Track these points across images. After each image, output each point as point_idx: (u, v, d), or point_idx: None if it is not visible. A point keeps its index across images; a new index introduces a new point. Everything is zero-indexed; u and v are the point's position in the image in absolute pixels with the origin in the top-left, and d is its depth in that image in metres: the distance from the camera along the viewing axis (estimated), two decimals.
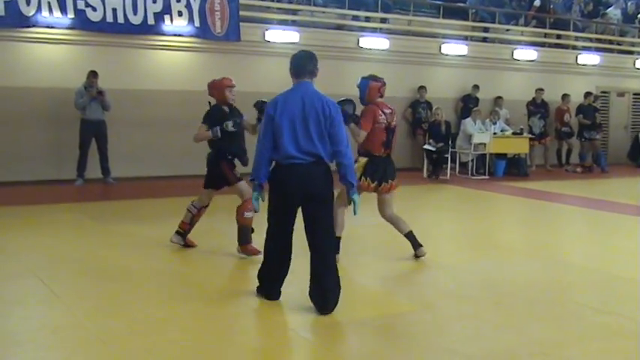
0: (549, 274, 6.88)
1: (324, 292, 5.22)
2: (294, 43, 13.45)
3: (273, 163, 5.33)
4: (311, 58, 5.38)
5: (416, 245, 7.08)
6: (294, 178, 5.17)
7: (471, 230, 9.15)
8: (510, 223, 10.54)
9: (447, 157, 14.10)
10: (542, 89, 16.31)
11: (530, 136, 15.64)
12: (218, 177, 6.92)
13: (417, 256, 7.05)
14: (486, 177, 14.55)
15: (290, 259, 5.45)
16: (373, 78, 6.89)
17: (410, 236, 7.08)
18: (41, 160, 11.77)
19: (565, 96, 16.47)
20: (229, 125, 6.77)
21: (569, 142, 16.76)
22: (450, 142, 14.20)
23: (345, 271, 6.67)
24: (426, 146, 14.04)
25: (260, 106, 6.77)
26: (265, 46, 13.31)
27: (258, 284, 5.59)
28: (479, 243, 8.36)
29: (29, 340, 4.61)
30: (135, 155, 12.37)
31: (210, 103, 7.04)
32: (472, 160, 14.70)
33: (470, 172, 14.62)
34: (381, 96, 6.89)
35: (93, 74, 11.43)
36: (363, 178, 6.76)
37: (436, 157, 14.01)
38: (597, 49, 18.30)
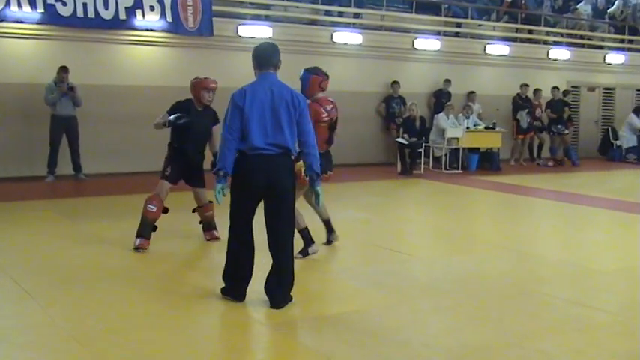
0: (523, 267, 6.93)
1: (282, 287, 5.24)
2: (267, 38, 13.40)
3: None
4: (275, 50, 5.35)
5: (309, 242, 6.80)
6: (259, 168, 5.11)
7: (446, 224, 9.19)
8: (484, 216, 10.62)
9: (421, 152, 14.15)
10: (527, 84, 16.46)
11: (502, 130, 15.71)
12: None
13: (303, 254, 6.72)
14: (459, 171, 14.65)
15: (253, 256, 5.34)
16: (314, 71, 6.72)
17: (304, 232, 6.77)
18: (11, 157, 11.59)
19: (537, 91, 16.62)
20: (176, 119, 6.88)
21: (540, 137, 16.93)
22: (424, 138, 14.25)
23: (320, 264, 6.71)
24: (399, 139, 14.07)
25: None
26: (238, 41, 13.23)
27: (223, 285, 5.43)
28: (453, 237, 8.40)
29: (2, 340, 4.53)
30: (107, 151, 12.25)
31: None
32: (445, 155, 14.79)
33: (443, 167, 14.71)
34: (323, 90, 6.74)
35: (63, 69, 11.28)
36: (304, 175, 6.57)
37: (409, 151, 14.05)
38: (568, 44, 18.52)
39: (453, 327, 5.04)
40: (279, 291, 5.22)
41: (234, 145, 5.14)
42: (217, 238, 7.23)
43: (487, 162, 15.36)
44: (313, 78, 6.65)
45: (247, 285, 5.36)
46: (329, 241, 7.17)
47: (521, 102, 16.38)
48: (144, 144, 12.41)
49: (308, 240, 6.78)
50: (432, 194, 12.25)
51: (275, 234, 5.22)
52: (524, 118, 16.32)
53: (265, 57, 5.28)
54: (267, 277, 5.28)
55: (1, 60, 11.49)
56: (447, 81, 15.88)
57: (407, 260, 7.05)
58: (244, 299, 5.33)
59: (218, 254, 6.72)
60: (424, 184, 13.10)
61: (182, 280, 6.08)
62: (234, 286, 5.35)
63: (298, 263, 6.49)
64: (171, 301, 5.45)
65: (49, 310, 5.13)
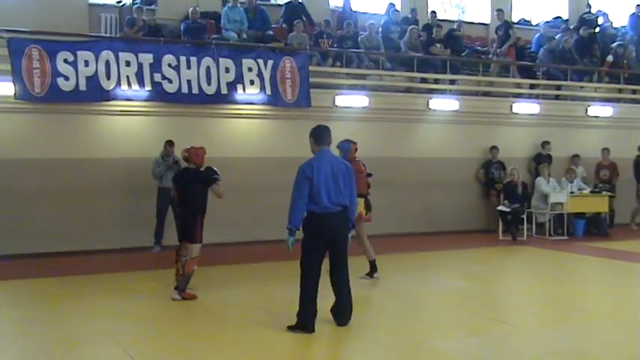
0: (636, 342, 6.54)
1: (340, 308, 6.66)
2: (363, 107, 13.58)
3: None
4: (329, 131, 6.82)
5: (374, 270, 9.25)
6: (328, 223, 6.54)
7: (552, 293, 8.84)
8: (592, 285, 10.10)
9: (523, 218, 13.77)
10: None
11: (609, 193, 15.14)
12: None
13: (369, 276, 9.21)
14: (565, 237, 14.12)
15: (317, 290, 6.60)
16: (352, 141, 9.25)
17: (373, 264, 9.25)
18: (120, 228, 12.05)
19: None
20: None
21: None
22: (526, 203, 13.90)
23: (420, 334, 6.56)
24: (500, 207, 13.78)
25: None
26: (335, 110, 13.44)
27: (296, 321, 6.52)
28: (560, 307, 8.05)
29: None
30: (211, 222, 12.49)
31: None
32: (549, 221, 14.32)
33: (547, 233, 14.24)
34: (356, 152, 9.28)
35: (169, 143, 11.71)
36: (366, 211, 9.17)
37: (511, 217, 13.71)
38: None
39: None
40: (343, 314, 6.66)
41: (303, 207, 6.50)
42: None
43: (594, 227, 14.78)
44: (352, 146, 9.23)
45: (315, 317, 6.54)
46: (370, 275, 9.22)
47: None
48: (245, 214, 12.66)
49: (374, 268, 9.25)
50: (535, 262, 11.84)
51: (336, 269, 6.66)
52: None
53: (324, 137, 6.76)
54: (333, 304, 6.73)
55: (112, 136, 12.09)
56: (546, 143, 15.51)
57: (511, 331, 6.80)
58: (314, 330, 6.43)
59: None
60: (527, 251, 12.69)
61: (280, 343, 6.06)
62: (305, 319, 6.48)
63: (396, 329, 6.39)
64: None
65: None
